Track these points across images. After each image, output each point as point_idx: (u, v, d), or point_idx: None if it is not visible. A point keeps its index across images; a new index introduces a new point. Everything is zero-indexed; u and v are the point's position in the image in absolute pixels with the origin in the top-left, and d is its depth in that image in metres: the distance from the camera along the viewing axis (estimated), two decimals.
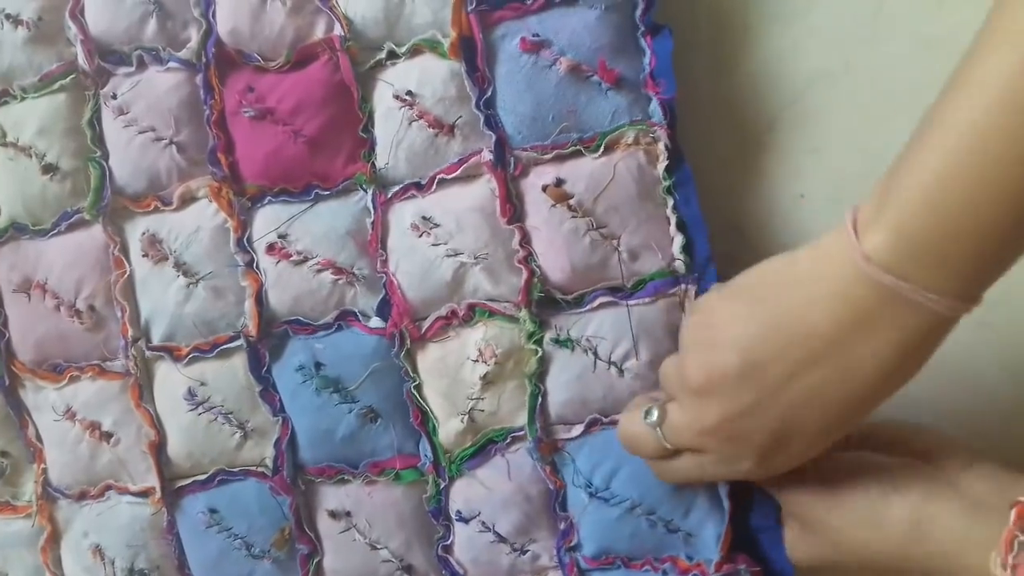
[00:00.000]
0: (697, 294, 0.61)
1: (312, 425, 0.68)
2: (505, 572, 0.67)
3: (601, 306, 0.63)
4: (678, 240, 0.62)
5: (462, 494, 0.67)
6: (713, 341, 0.51)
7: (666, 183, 0.62)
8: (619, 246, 0.62)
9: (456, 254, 0.64)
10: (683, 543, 0.62)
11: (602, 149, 0.62)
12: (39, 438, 0.74)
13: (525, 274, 0.63)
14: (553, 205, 0.62)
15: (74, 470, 0.73)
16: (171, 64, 0.68)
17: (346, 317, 0.67)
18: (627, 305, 0.62)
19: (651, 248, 0.62)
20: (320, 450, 0.68)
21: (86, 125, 0.70)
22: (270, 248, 0.67)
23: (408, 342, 0.66)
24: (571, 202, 0.62)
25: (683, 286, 0.62)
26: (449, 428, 0.66)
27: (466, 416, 0.65)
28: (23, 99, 0.70)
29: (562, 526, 0.65)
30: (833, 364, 0.47)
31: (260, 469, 0.70)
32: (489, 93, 0.63)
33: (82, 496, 0.74)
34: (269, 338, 0.68)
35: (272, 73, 0.67)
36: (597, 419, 0.64)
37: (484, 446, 0.66)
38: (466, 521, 0.67)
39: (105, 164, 0.70)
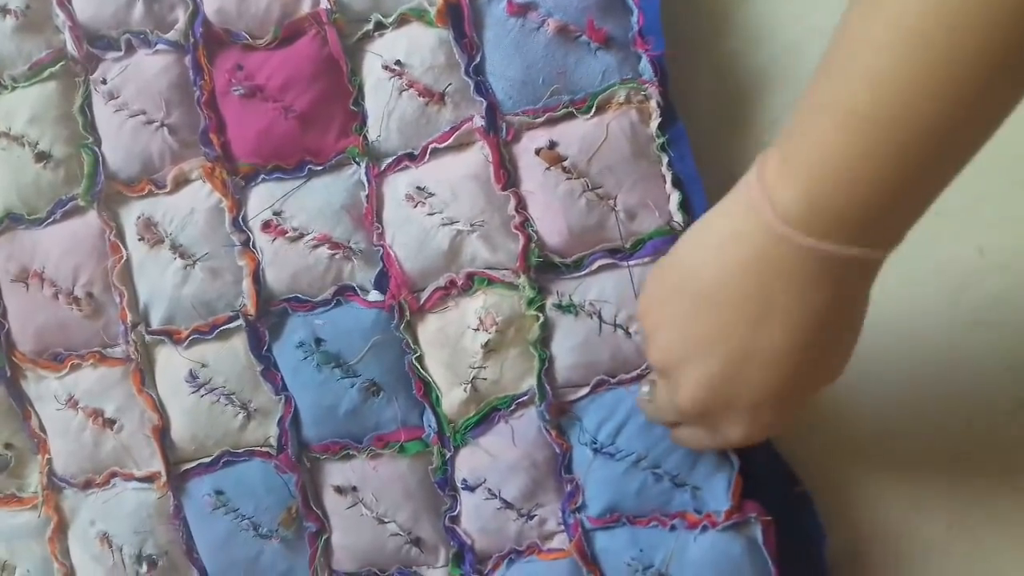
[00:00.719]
0: None
1: (315, 402, 0.68)
2: (512, 539, 0.67)
3: (601, 268, 0.63)
4: (674, 197, 0.62)
5: (467, 463, 0.67)
6: (656, 324, 0.53)
7: (659, 140, 0.62)
8: (616, 206, 0.62)
9: (452, 223, 0.64)
10: (691, 497, 0.62)
11: (594, 110, 0.62)
12: (42, 428, 0.75)
13: (522, 240, 0.63)
14: (547, 168, 0.62)
15: (79, 459, 0.74)
16: (159, 46, 0.69)
17: (344, 292, 0.68)
18: (628, 266, 0.62)
19: (648, 207, 0.62)
20: (324, 426, 0.69)
21: (77, 112, 0.71)
22: (265, 226, 0.67)
23: (408, 314, 0.67)
24: (565, 164, 0.62)
25: None
26: (452, 398, 0.67)
27: (468, 385, 0.66)
28: (14, 88, 0.71)
29: (568, 488, 0.65)
30: (773, 322, 0.47)
31: (264, 448, 0.70)
32: (478, 59, 0.64)
33: (87, 484, 0.74)
34: (268, 316, 0.69)
35: (260, 51, 0.68)
36: (604, 380, 0.64)
37: (488, 414, 0.66)
38: (472, 489, 0.67)
39: (98, 150, 0.70)
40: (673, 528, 0.63)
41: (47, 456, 0.75)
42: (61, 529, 0.76)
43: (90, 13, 0.70)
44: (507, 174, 0.64)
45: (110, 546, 0.74)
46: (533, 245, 0.63)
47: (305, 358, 0.68)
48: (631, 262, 0.63)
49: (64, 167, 0.71)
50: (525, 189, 0.64)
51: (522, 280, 0.64)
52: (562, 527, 0.66)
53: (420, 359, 0.67)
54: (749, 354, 0.48)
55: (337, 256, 0.67)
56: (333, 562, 0.71)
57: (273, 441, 0.70)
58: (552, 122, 0.63)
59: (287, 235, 0.67)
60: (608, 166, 0.62)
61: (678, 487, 0.63)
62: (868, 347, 0.55)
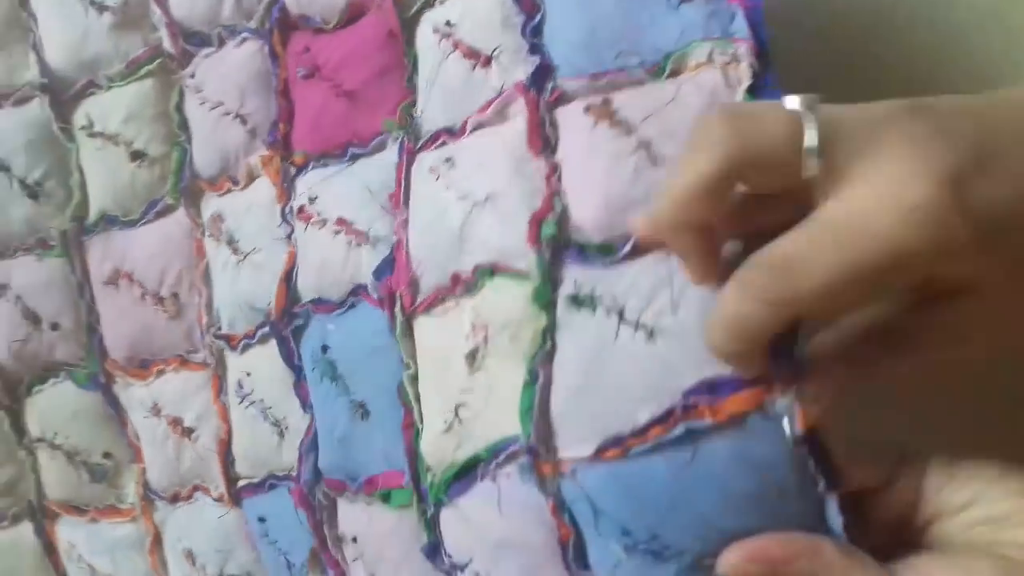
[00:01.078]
0: None
1: (320, 422, 0.60)
2: None
3: (637, 252, 0.46)
4: None
5: (451, 532, 0.52)
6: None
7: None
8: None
9: (467, 195, 0.52)
10: None
11: (667, 74, 0.49)
12: (137, 437, 0.74)
13: (540, 207, 0.49)
14: (595, 125, 0.49)
15: (167, 471, 0.72)
16: (244, 35, 0.67)
17: (359, 292, 0.59)
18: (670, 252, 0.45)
19: None
20: (327, 454, 0.60)
21: (174, 110, 0.71)
22: (300, 211, 0.61)
23: (398, 315, 0.55)
24: (616, 118, 0.48)
25: None
26: (433, 430, 0.52)
27: (452, 414, 0.51)
28: (109, 88, 0.72)
29: None
30: None
31: (294, 474, 0.64)
32: (537, 19, 0.53)
33: (175, 498, 0.73)
34: (292, 319, 0.63)
35: (328, 33, 0.64)
36: (619, 437, 0.45)
37: (471, 465, 0.51)
38: (461, 569, 0.51)
39: (188, 147, 0.70)
40: None
41: (142, 466, 0.74)
42: (158, 542, 0.75)
43: (184, 9, 0.69)
44: (545, 140, 0.51)
45: (194, 564, 0.71)
46: (551, 217, 0.48)
47: (313, 369, 0.60)
48: None
49: (159, 166, 0.71)
50: (562, 155, 0.50)
51: (530, 259, 0.48)
52: None
53: (413, 377, 0.55)
54: None
55: (353, 244, 0.59)
56: None
57: (296, 468, 0.63)
58: (615, 87, 0.50)
59: (312, 220, 0.61)
60: (672, 128, 0.47)
61: None
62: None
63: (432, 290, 0.53)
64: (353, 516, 0.59)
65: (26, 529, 0.80)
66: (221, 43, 0.68)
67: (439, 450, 0.52)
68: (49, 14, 0.72)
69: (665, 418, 0.43)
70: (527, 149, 0.51)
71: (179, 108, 0.70)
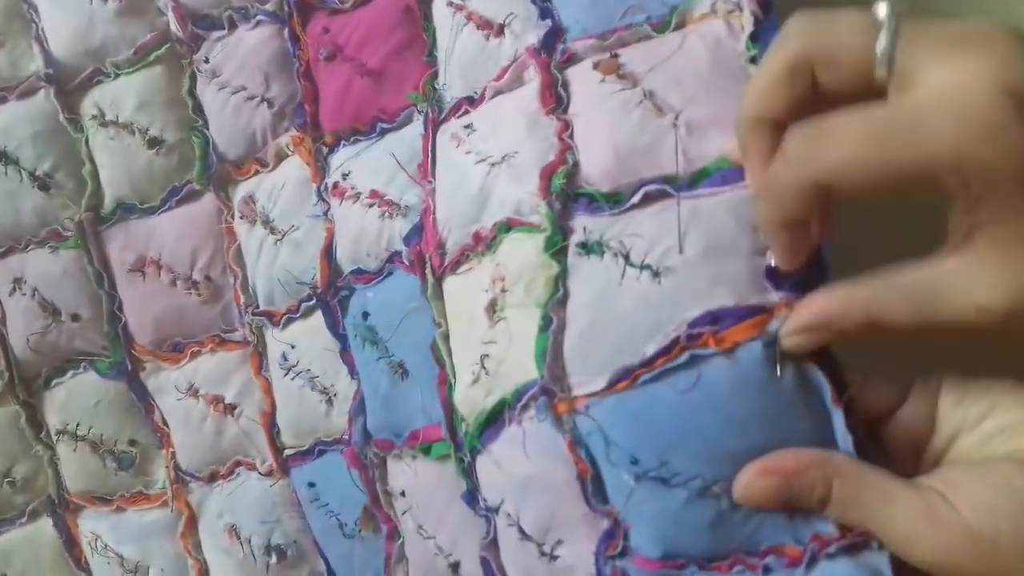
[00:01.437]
0: None
1: (365, 385, 0.64)
2: None
3: (647, 199, 0.49)
4: None
5: (485, 476, 0.55)
6: None
7: (751, 53, 0.49)
8: (677, 122, 0.49)
9: (485, 158, 0.55)
10: (787, 523, 0.45)
11: (672, 26, 0.51)
12: (165, 422, 0.77)
13: (552, 160, 0.52)
14: (602, 79, 0.51)
15: (202, 450, 0.75)
16: (259, 18, 0.69)
17: (394, 259, 0.62)
18: (678, 196, 0.48)
19: (721, 125, 0.48)
20: (374, 416, 0.64)
21: (186, 94, 0.72)
22: (335, 187, 0.65)
23: (429, 276, 0.58)
24: (622, 72, 0.51)
25: None
26: (463, 382, 0.56)
27: (478, 364, 0.54)
28: (117, 76, 0.73)
29: (605, 524, 0.49)
30: None
31: (345, 438, 0.68)
32: None
33: (213, 477, 0.76)
34: (336, 290, 0.66)
35: (345, 13, 0.67)
36: (627, 370, 0.47)
37: (498, 411, 0.53)
38: (495, 511, 0.54)
39: (207, 132, 0.72)
40: (767, 571, 0.46)
41: (171, 450, 0.77)
42: (192, 524, 0.77)
43: None
44: (557, 99, 0.53)
45: (238, 538, 0.74)
46: (561, 170, 0.51)
47: (355, 336, 0.64)
48: (685, 193, 0.48)
49: (177, 152, 0.72)
50: (573, 111, 0.53)
51: (542, 210, 0.51)
52: None
53: (445, 335, 0.58)
54: None
55: (386, 215, 0.62)
56: (411, 572, 0.64)
57: (346, 431, 0.67)
58: (623, 44, 0.53)
59: (347, 195, 0.64)
60: (676, 77, 0.50)
61: (766, 512, 0.46)
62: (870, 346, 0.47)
63: (457, 250, 0.57)
64: (400, 472, 0.63)
65: (45, 524, 0.81)
66: (232, 25, 0.70)
67: (470, 400, 0.55)
68: (52, 4, 0.73)
69: (671, 348, 0.46)
70: (540, 108, 0.54)
71: (191, 92, 0.72)
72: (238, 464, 0.74)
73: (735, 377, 0.45)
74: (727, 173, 0.48)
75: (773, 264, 0.46)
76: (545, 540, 0.51)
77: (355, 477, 0.65)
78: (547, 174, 0.51)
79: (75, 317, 0.75)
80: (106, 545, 0.78)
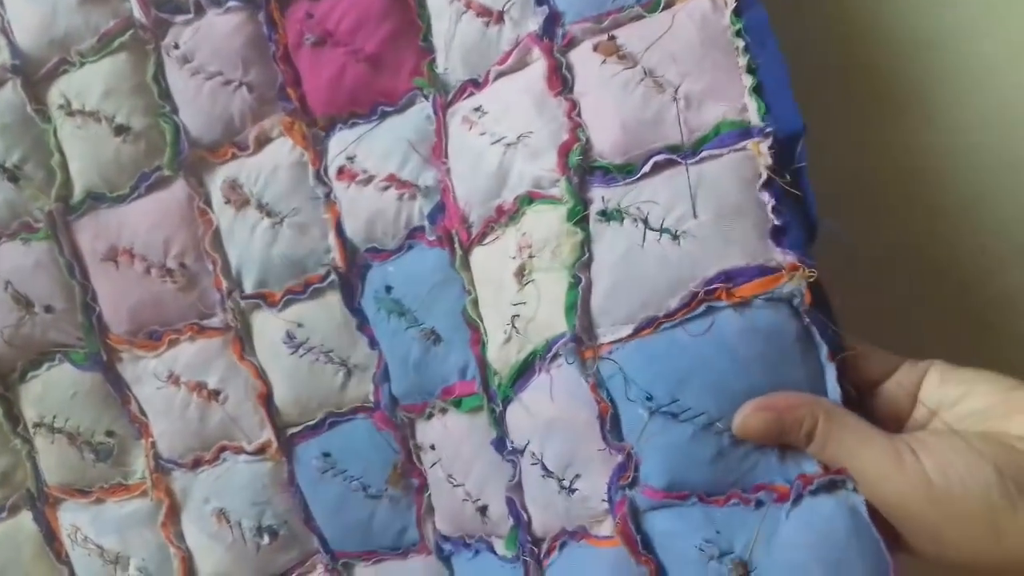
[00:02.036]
0: (774, 144, 0.54)
1: (392, 354, 0.71)
2: (563, 516, 0.63)
3: (656, 169, 0.57)
4: (747, 81, 0.56)
5: (514, 422, 0.65)
6: None
7: (736, 26, 0.56)
8: (677, 96, 0.57)
9: (501, 139, 0.63)
10: (778, 463, 0.55)
11: (662, 6, 0.58)
12: (142, 411, 0.80)
13: (566, 139, 0.60)
14: (603, 61, 0.59)
15: (184, 437, 0.78)
16: (230, 4, 0.72)
17: (415, 235, 0.70)
18: (686, 163, 0.56)
19: (716, 95, 0.57)
20: (402, 381, 0.71)
21: (151, 80, 0.75)
22: (340, 172, 0.70)
23: (458, 249, 0.67)
24: (621, 52, 0.59)
25: (755, 137, 0.56)
26: (495, 342, 0.65)
27: (509, 325, 0.63)
28: (82, 64, 0.75)
29: (618, 459, 0.58)
30: None
31: (367, 405, 0.74)
32: None
33: (196, 463, 0.79)
34: (356, 268, 0.72)
35: None
36: (652, 318, 0.57)
37: (529, 363, 0.63)
38: (521, 453, 0.64)
39: (176, 118, 0.74)
40: (759, 504, 0.54)
41: (151, 439, 0.80)
42: (173, 512, 0.80)
43: None
44: (563, 81, 0.61)
45: (228, 522, 0.78)
46: (577, 146, 0.59)
47: (379, 309, 0.70)
48: (691, 160, 0.56)
49: (145, 139, 0.75)
50: (579, 91, 0.61)
51: (562, 184, 0.59)
52: (606, 508, 0.60)
53: (475, 301, 0.67)
54: None
55: (405, 196, 0.69)
56: (436, 521, 0.73)
57: (371, 397, 0.73)
58: (617, 25, 0.60)
59: (358, 179, 0.70)
60: (671, 53, 0.57)
61: (761, 451, 0.55)
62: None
63: (482, 223, 0.65)
64: (430, 428, 0.71)
65: (25, 518, 0.84)
66: (199, 10, 0.73)
67: (503, 357, 0.64)
68: None
69: (690, 302, 0.55)
70: (546, 90, 0.62)
71: (157, 78, 0.75)
72: (223, 448, 0.78)
73: (744, 325, 0.54)
74: (725, 136, 0.56)
75: (775, 222, 0.55)
76: (564, 475, 0.61)
77: (388, 437, 0.72)
78: (564, 152, 0.60)
79: (49, 309, 0.78)
80: (86, 537, 0.82)
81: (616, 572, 0.58)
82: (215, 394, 0.76)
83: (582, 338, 0.58)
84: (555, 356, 0.60)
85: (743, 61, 0.56)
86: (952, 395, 0.53)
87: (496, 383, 0.65)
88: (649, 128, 0.58)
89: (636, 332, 0.57)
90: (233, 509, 0.77)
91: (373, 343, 0.72)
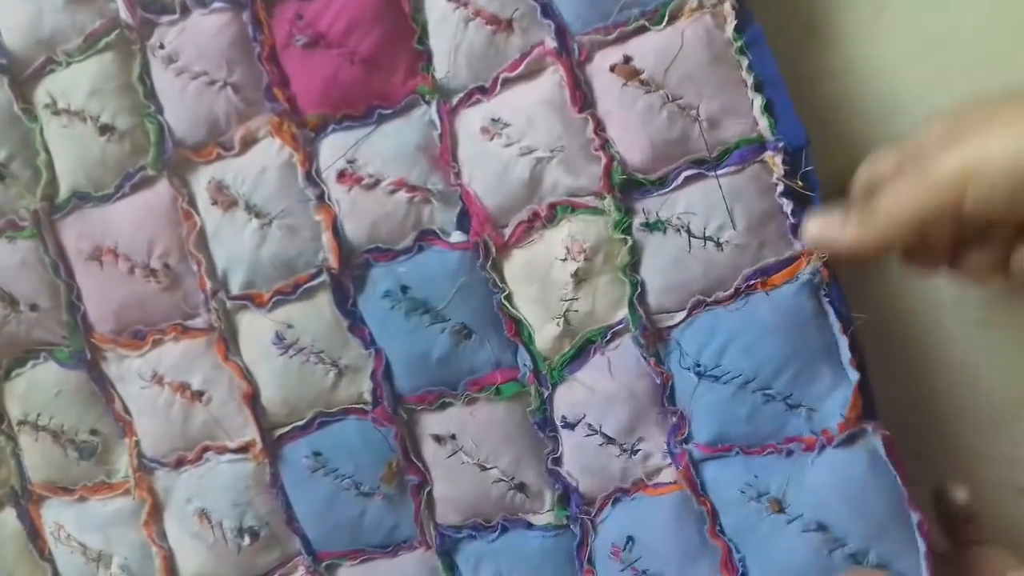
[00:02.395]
0: (785, 157, 0.63)
1: (406, 351, 0.73)
2: (617, 477, 0.71)
3: (687, 181, 0.66)
4: (757, 102, 0.64)
5: (565, 399, 0.71)
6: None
7: (737, 43, 0.63)
8: (699, 116, 0.64)
9: (530, 151, 0.67)
10: (806, 420, 0.65)
11: (666, 19, 0.64)
12: (127, 410, 0.81)
13: (604, 160, 0.67)
14: (624, 84, 0.65)
15: (168, 436, 0.79)
16: (216, 5, 0.73)
17: (425, 237, 0.72)
18: (716, 175, 0.65)
19: (732, 113, 0.64)
20: (417, 376, 0.74)
21: (137, 81, 0.75)
22: (340, 176, 0.72)
23: (492, 251, 0.70)
24: (642, 77, 0.64)
25: (769, 151, 0.64)
26: (545, 334, 0.71)
27: (561, 319, 0.69)
28: (69, 64, 0.76)
29: (673, 420, 0.69)
30: None
31: (359, 405, 0.75)
32: None
33: (179, 463, 0.80)
34: (351, 270, 0.73)
35: None
36: (700, 300, 0.67)
37: (583, 347, 0.70)
38: (572, 427, 0.71)
39: (161, 118, 0.75)
40: (790, 454, 0.65)
41: (135, 438, 0.80)
42: (156, 511, 0.81)
43: None
44: (583, 96, 0.67)
45: (209, 522, 0.79)
46: (616, 164, 0.66)
47: (392, 308, 0.72)
48: (719, 171, 0.64)
49: (129, 138, 0.76)
50: (603, 109, 0.67)
51: (607, 201, 0.67)
52: (668, 460, 0.70)
53: (509, 297, 0.71)
54: None
55: (415, 199, 0.71)
56: (437, 515, 0.76)
57: (368, 396, 0.75)
58: (624, 38, 0.65)
59: (363, 182, 0.71)
60: (687, 75, 0.64)
61: (792, 409, 0.65)
62: (872, 347, 0.64)
63: (517, 226, 0.70)
64: (446, 419, 0.74)
65: (8, 516, 0.86)
66: (184, 10, 0.73)
67: (556, 346, 0.70)
68: None
69: (734, 295, 0.66)
70: (570, 107, 0.67)
71: (142, 78, 0.75)
72: (206, 449, 0.79)
73: (771, 302, 0.64)
74: (744, 151, 0.64)
75: (792, 222, 0.64)
76: (627, 440, 0.70)
77: (387, 433, 0.74)
78: (607, 172, 0.66)
79: (34, 307, 0.79)
80: (69, 535, 0.83)
81: (680, 511, 0.69)
82: (199, 395, 0.76)
83: (647, 326, 0.67)
84: (610, 340, 0.69)
85: (749, 79, 0.64)
86: None
87: (546, 368, 0.71)
88: (676, 146, 0.65)
89: (688, 314, 0.67)
90: (215, 509, 0.78)
91: (368, 343, 0.73)
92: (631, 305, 0.67)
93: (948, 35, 0.64)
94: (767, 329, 0.64)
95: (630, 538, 0.70)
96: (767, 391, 0.65)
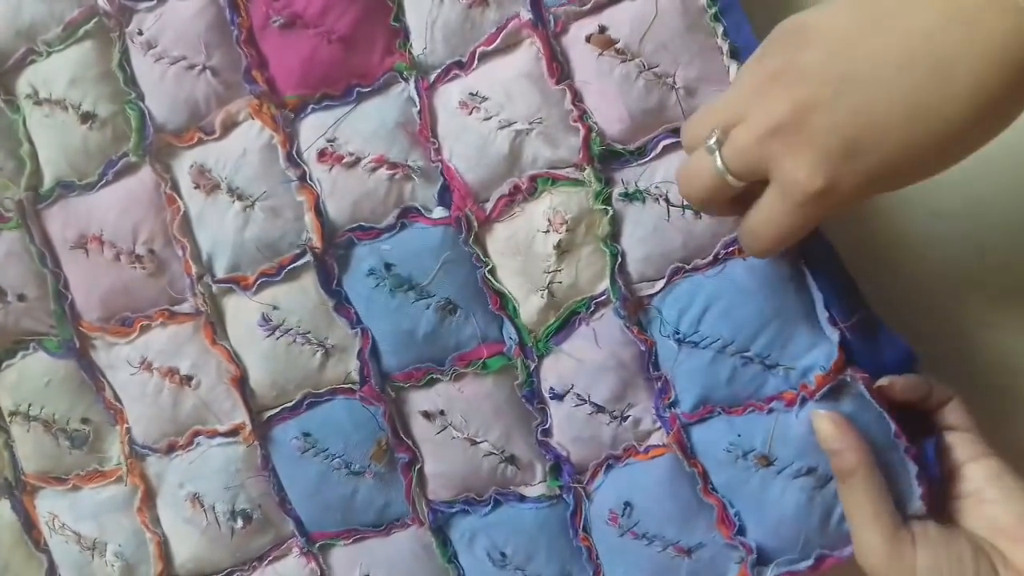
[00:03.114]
0: None
1: (392, 328, 0.74)
2: (608, 444, 0.72)
3: (665, 150, 0.67)
4: (733, 69, 0.65)
5: (553, 371, 0.73)
6: (801, 40, 0.53)
7: (712, 10, 0.65)
8: (676, 84, 0.66)
9: (509, 124, 0.68)
10: (784, 379, 0.66)
11: None
12: (117, 398, 0.81)
13: (583, 131, 0.68)
14: (600, 54, 0.66)
15: (159, 422, 0.80)
16: None
17: (408, 214, 0.73)
18: None
19: (709, 81, 0.66)
20: (404, 353, 0.74)
21: (116, 68, 0.76)
22: (321, 155, 0.72)
23: (475, 226, 0.71)
24: (617, 47, 0.65)
25: None
26: (530, 306, 0.72)
27: (545, 291, 0.71)
28: (49, 54, 0.76)
29: (658, 385, 0.71)
30: (926, 66, 0.48)
31: (347, 385, 0.76)
32: None
33: (171, 448, 0.81)
34: (334, 249, 0.74)
35: None
36: (679, 267, 0.68)
37: (568, 319, 0.71)
38: (560, 397, 0.72)
39: (142, 104, 0.75)
40: (771, 411, 0.67)
41: (126, 425, 0.81)
42: (149, 497, 0.82)
43: None
44: (560, 67, 0.68)
45: (202, 506, 0.80)
46: (594, 135, 0.67)
47: (377, 286, 0.73)
48: None
49: (111, 126, 0.76)
50: (579, 80, 0.68)
51: (587, 172, 0.68)
52: (658, 424, 0.72)
53: (492, 271, 0.72)
54: (892, 103, 0.49)
55: (396, 176, 0.71)
56: (428, 492, 0.77)
57: (355, 376, 0.76)
58: (599, 8, 0.67)
59: (343, 161, 0.72)
60: (662, 43, 0.65)
61: (769, 369, 0.67)
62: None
63: (498, 200, 0.71)
64: (434, 395, 0.75)
65: (3, 507, 0.86)
66: None
67: (540, 318, 0.72)
68: None
69: (712, 262, 0.68)
70: (547, 78, 0.68)
71: (122, 65, 0.76)
72: (197, 433, 0.80)
73: (746, 265, 0.66)
74: None
75: None
76: (616, 407, 0.71)
77: (375, 412, 0.75)
78: (585, 143, 0.68)
79: (21, 297, 0.79)
80: (64, 524, 0.83)
81: (673, 474, 0.70)
82: (187, 380, 0.77)
83: (627, 296, 0.69)
84: (594, 311, 0.70)
85: (725, 45, 0.65)
86: (990, 494, 0.60)
87: (531, 341, 0.72)
88: (653, 115, 0.67)
89: (667, 282, 0.68)
90: (207, 493, 0.78)
91: (354, 322, 0.74)
92: (612, 276, 0.69)
93: None
94: (744, 293, 0.66)
95: (627, 503, 0.71)
96: (745, 354, 0.66)
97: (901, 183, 0.53)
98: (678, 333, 0.67)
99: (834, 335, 0.65)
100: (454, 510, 0.76)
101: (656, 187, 0.67)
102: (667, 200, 0.67)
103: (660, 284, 0.68)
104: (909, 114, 0.49)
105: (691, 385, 0.68)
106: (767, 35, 0.56)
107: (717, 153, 0.56)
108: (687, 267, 0.68)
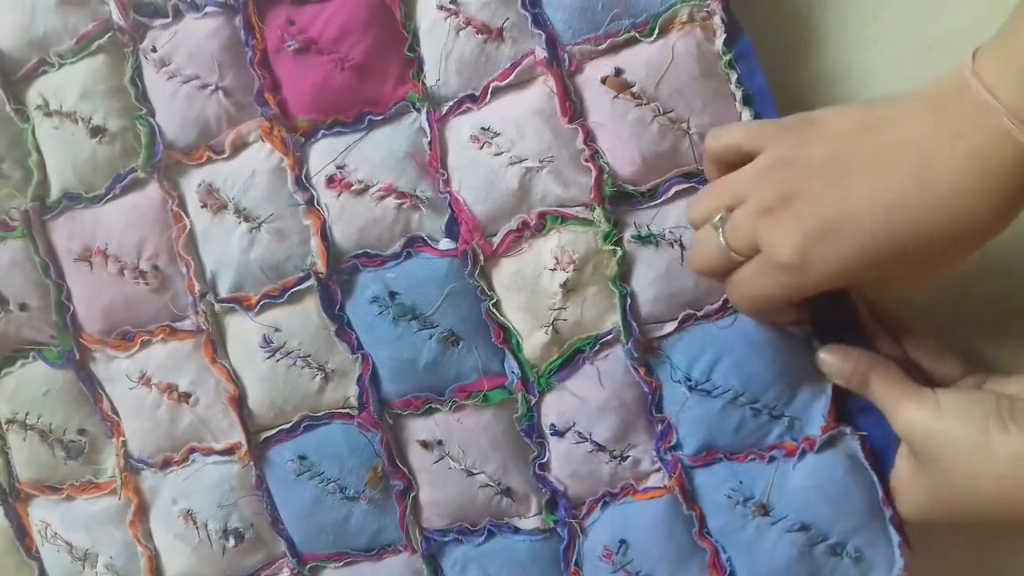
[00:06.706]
0: None
1: (393, 356, 0.75)
2: (606, 481, 0.74)
3: (678, 195, 0.69)
4: (746, 115, 0.66)
5: (554, 407, 0.74)
6: (812, 134, 0.58)
7: (726, 57, 0.66)
8: (689, 129, 0.67)
9: (520, 161, 0.69)
10: (788, 428, 0.69)
11: (657, 32, 0.66)
12: (115, 411, 0.83)
13: (594, 171, 0.69)
14: (615, 96, 0.67)
15: (155, 437, 0.81)
16: (208, 9, 0.75)
17: (414, 243, 0.74)
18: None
19: (720, 126, 0.66)
20: (404, 381, 0.76)
21: (128, 83, 0.77)
22: (330, 181, 0.74)
23: (481, 259, 0.73)
24: (633, 90, 0.67)
25: None
26: (533, 342, 0.73)
27: (549, 327, 0.72)
28: (61, 66, 0.78)
29: (660, 428, 0.72)
30: (911, 170, 0.53)
31: (345, 410, 0.77)
32: None
33: (166, 463, 0.82)
34: (339, 274, 0.75)
35: (311, 4, 0.73)
36: (691, 314, 0.70)
37: (572, 356, 0.73)
38: (561, 434, 0.74)
39: (153, 120, 0.77)
40: (772, 460, 0.69)
41: (122, 438, 0.83)
42: (142, 511, 0.84)
43: None
44: (573, 106, 0.69)
45: (194, 523, 0.81)
46: (606, 176, 0.69)
47: (380, 313, 0.74)
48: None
49: (120, 140, 0.77)
50: (593, 121, 0.69)
51: (597, 213, 0.69)
52: (657, 466, 0.73)
53: (497, 305, 0.73)
54: (872, 195, 0.54)
55: (404, 206, 0.73)
56: (423, 519, 0.78)
57: (354, 401, 0.77)
58: (615, 49, 0.68)
59: (352, 188, 0.73)
60: (677, 89, 0.67)
61: (775, 419, 0.69)
62: None
63: (506, 235, 0.72)
64: (435, 424, 0.76)
65: None
66: (177, 14, 0.76)
67: (543, 354, 0.73)
68: None
69: (723, 307, 0.69)
70: (560, 117, 0.69)
71: (134, 81, 0.77)
72: (193, 450, 0.81)
73: (759, 319, 0.67)
74: None
75: None
76: (616, 447, 0.72)
77: (372, 439, 0.76)
78: (596, 182, 0.69)
79: (23, 307, 0.81)
80: (56, 533, 0.85)
81: (668, 517, 0.71)
82: (186, 397, 0.78)
83: (639, 338, 0.70)
84: (599, 350, 0.71)
85: (738, 93, 0.66)
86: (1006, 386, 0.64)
87: (534, 376, 0.73)
88: (666, 158, 0.68)
89: (678, 327, 0.70)
90: (199, 510, 0.80)
91: (355, 348, 0.75)
92: (623, 317, 0.70)
93: (945, 39, 0.65)
94: (755, 347, 0.68)
95: (623, 541, 0.72)
96: (755, 405, 0.68)
97: (885, 277, 0.59)
98: (689, 380, 0.69)
99: (829, 388, 0.67)
100: (447, 539, 0.77)
101: (671, 231, 0.68)
102: (681, 245, 0.68)
103: (670, 326, 0.70)
104: (887, 210, 0.54)
105: (696, 430, 0.70)
106: (765, 37, 0.63)
107: (720, 231, 0.61)
108: (698, 314, 0.69)
